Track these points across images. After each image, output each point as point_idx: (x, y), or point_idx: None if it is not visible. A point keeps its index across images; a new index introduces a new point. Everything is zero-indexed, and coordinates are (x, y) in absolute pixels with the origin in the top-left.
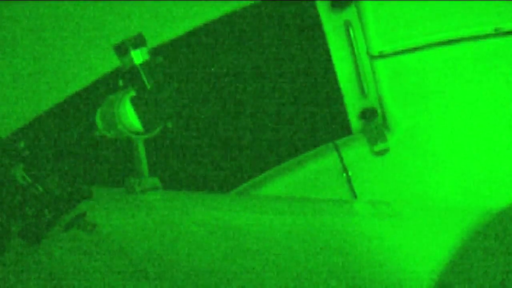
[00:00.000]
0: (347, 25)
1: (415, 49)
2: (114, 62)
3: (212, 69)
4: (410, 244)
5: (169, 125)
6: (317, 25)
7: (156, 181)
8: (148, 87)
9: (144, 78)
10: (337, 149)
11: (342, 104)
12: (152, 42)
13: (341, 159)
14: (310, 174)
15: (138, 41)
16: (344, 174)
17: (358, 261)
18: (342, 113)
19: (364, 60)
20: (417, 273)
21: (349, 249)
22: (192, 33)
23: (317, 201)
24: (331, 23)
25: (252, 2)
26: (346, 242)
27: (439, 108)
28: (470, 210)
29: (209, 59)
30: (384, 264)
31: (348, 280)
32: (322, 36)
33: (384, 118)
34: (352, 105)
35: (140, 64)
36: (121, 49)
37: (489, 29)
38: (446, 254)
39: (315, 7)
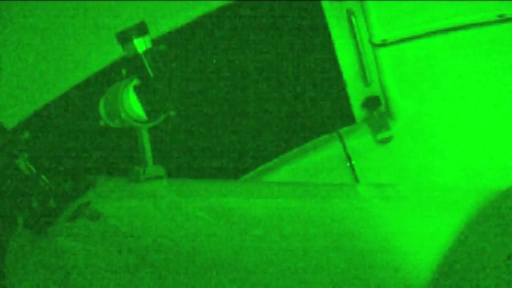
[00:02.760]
0: (349, 13)
1: (418, 37)
2: (117, 51)
3: (214, 61)
4: (415, 225)
5: (173, 113)
6: (319, 14)
7: (160, 169)
8: (151, 75)
9: (147, 66)
10: (340, 138)
11: (345, 93)
12: (155, 32)
13: (345, 148)
14: (313, 164)
15: (141, 30)
16: (348, 163)
17: (363, 243)
18: (345, 102)
19: (367, 49)
20: (422, 252)
21: (354, 231)
22: (193, 25)
23: (323, 185)
24: (333, 12)
25: None
26: (351, 225)
27: (442, 96)
28: (475, 190)
29: (211, 49)
30: (389, 245)
31: (354, 262)
32: (324, 24)
33: (387, 106)
34: (355, 93)
35: (143, 52)
36: (124, 37)
37: (493, 16)
38: (452, 233)
39: None
